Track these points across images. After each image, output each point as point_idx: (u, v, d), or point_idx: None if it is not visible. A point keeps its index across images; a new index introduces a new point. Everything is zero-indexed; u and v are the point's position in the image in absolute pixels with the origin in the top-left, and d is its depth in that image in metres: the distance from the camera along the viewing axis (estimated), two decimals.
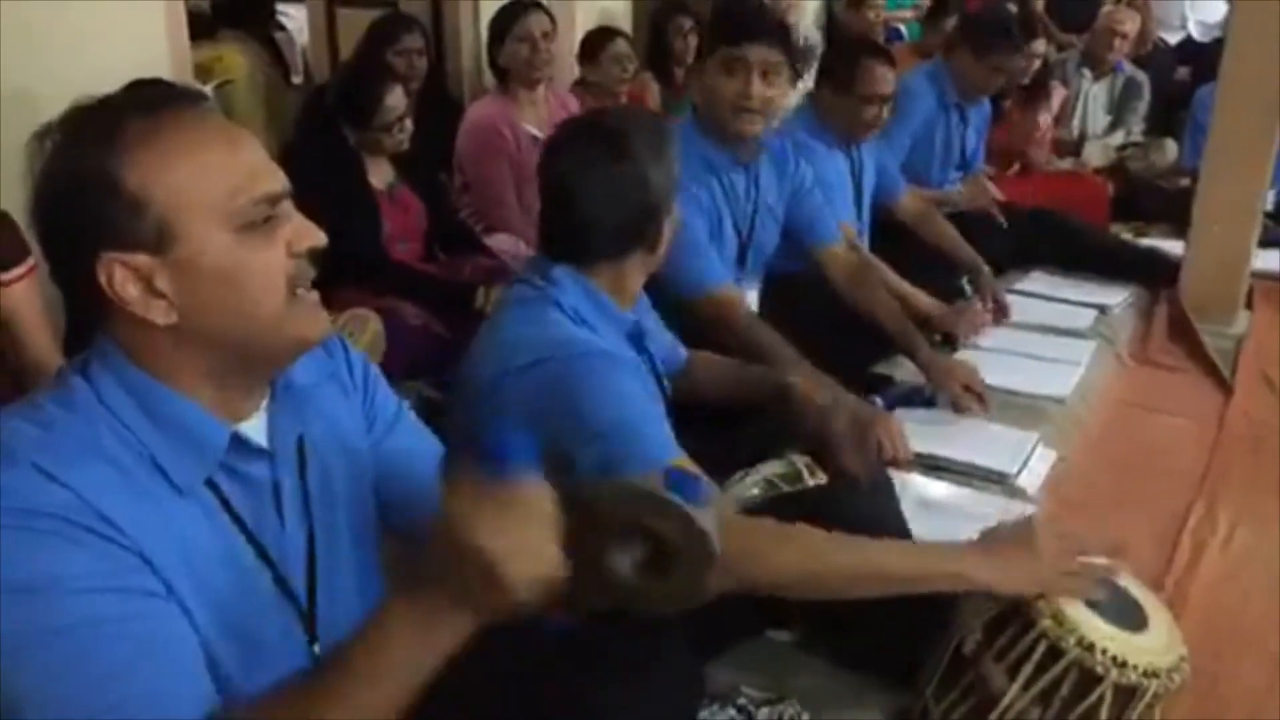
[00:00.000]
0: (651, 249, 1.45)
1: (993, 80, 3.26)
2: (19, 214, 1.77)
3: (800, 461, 1.68)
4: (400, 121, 2.47)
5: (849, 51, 2.78)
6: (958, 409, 2.20)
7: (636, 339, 1.49)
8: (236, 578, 0.90)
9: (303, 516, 0.97)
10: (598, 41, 3.48)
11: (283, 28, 4.76)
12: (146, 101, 0.87)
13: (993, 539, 1.28)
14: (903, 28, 5.43)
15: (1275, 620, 1.74)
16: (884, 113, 2.69)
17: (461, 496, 0.80)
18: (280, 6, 4.56)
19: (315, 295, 0.93)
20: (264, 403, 0.96)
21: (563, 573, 0.81)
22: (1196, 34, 5.35)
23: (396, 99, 2.46)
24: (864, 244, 2.82)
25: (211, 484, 0.90)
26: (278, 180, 0.89)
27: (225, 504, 0.90)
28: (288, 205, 0.90)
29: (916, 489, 1.92)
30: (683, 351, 1.75)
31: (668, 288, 1.74)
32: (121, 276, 0.83)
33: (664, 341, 1.69)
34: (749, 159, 2.17)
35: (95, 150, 0.83)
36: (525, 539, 0.79)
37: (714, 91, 2.05)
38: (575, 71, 3.81)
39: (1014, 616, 1.26)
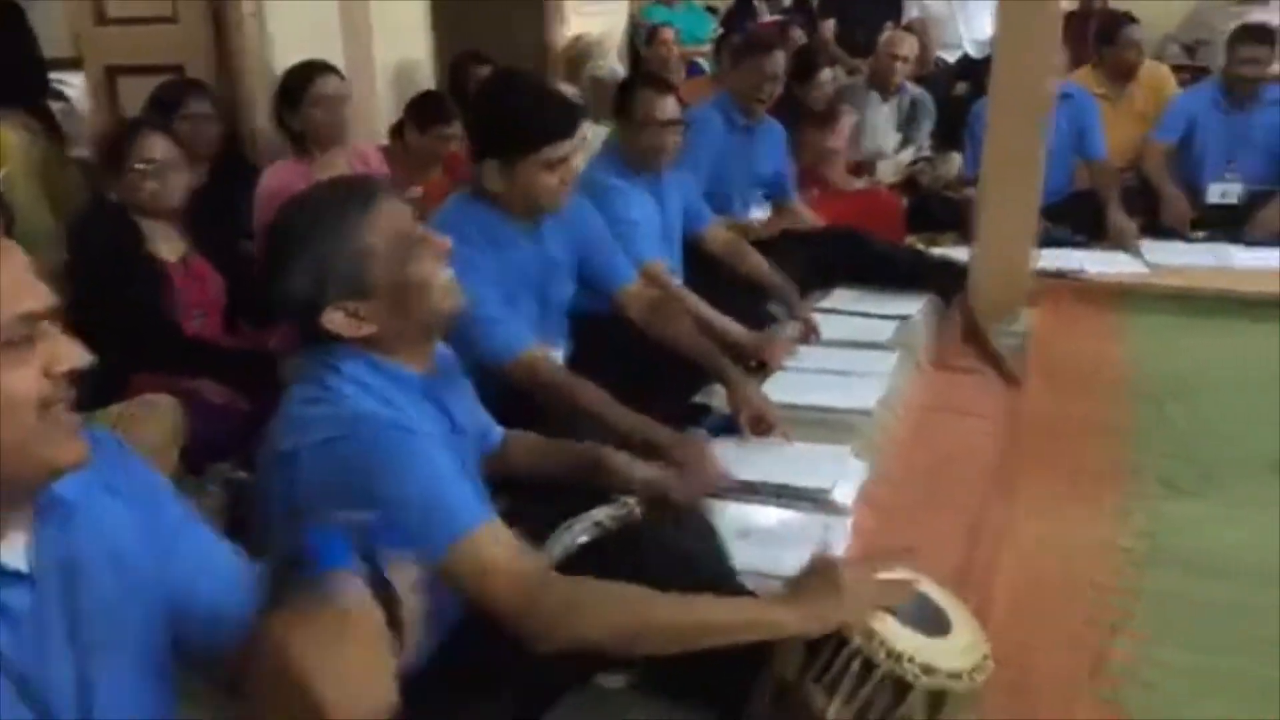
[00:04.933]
0: (327, 336, 1.33)
1: (760, 86, 3.41)
2: None
3: (631, 504, 1.70)
4: (161, 170, 2.36)
5: (630, 84, 2.94)
6: (748, 437, 2.26)
7: (435, 397, 1.46)
8: None
9: (68, 644, 0.91)
10: (429, 116, 3.40)
11: (63, 96, 4.53)
12: None
13: (799, 584, 1.33)
14: (703, 62, 5.61)
15: (1072, 601, 1.87)
16: (669, 140, 2.77)
17: (282, 624, 0.76)
18: (58, 75, 4.34)
19: (74, 418, 0.88)
20: (26, 523, 0.90)
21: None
22: (972, 51, 5.72)
23: (151, 143, 2.37)
24: (677, 277, 2.89)
25: None
26: (39, 299, 0.85)
27: None
28: (48, 325, 0.86)
29: (735, 517, 1.96)
30: (498, 432, 1.73)
31: (475, 360, 1.72)
32: None
33: (479, 421, 1.67)
34: (536, 226, 2.18)
35: None
36: (356, 667, 0.76)
37: (533, 188, 2.05)
38: (381, 124, 3.78)
39: (829, 638, 1.31)
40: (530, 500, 1.69)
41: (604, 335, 2.41)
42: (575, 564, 1.47)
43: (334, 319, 1.32)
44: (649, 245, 2.75)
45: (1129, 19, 4.47)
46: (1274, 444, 2.40)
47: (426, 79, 4.26)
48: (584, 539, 1.59)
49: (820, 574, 1.33)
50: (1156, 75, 4.52)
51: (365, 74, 3.84)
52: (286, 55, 3.25)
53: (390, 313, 1.34)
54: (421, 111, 3.44)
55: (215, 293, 2.50)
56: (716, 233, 3.11)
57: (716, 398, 2.47)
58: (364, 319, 1.33)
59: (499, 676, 1.36)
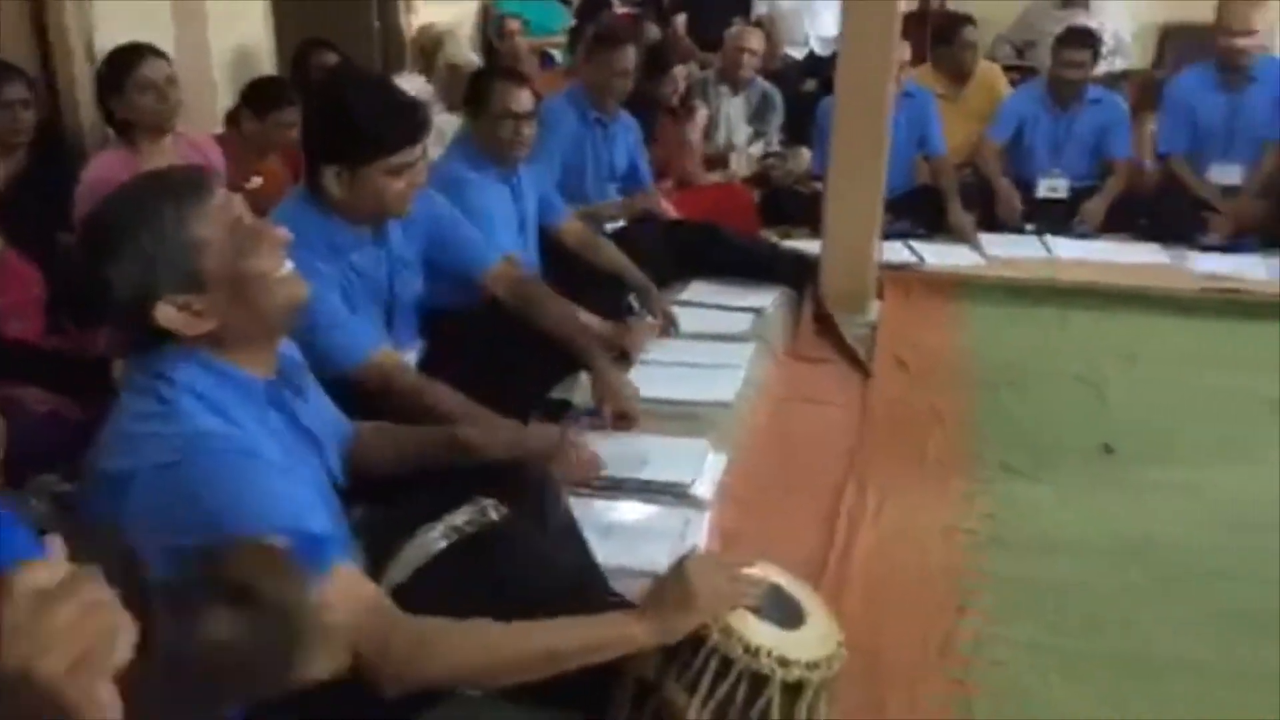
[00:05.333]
0: (159, 335, 1.25)
1: (614, 82, 3.43)
2: None
3: (488, 505, 1.66)
4: None
5: (483, 76, 2.91)
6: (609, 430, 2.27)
7: (280, 404, 1.39)
8: None
9: None
10: (267, 102, 3.25)
11: None
12: None
13: (654, 596, 1.32)
14: (556, 53, 5.56)
15: (922, 584, 1.93)
16: (525, 132, 2.75)
17: None
18: None
19: None
20: None
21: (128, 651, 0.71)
22: (818, 49, 5.86)
23: None
24: (533, 270, 2.85)
25: None
26: None
27: None
28: None
29: (597, 514, 1.95)
30: (348, 425, 1.66)
31: (322, 367, 1.65)
32: None
33: (330, 419, 1.60)
34: (379, 227, 2.11)
35: None
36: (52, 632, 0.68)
37: (377, 195, 1.98)
38: (217, 111, 3.60)
39: (688, 637, 1.31)
40: (384, 506, 1.64)
41: (459, 330, 2.36)
42: (433, 572, 1.42)
43: (167, 314, 1.23)
44: (504, 238, 2.71)
45: (967, 20, 4.67)
46: (1099, 427, 2.55)
47: (266, 65, 4.08)
48: (441, 544, 1.55)
49: (675, 582, 1.32)
50: (990, 75, 4.74)
51: (199, 59, 3.65)
52: (113, 39, 3.04)
53: (229, 307, 1.26)
54: (259, 97, 3.29)
55: (35, 291, 2.33)
56: (572, 225, 3.08)
57: (576, 393, 2.45)
58: (200, 314, 1.25)
59: (353, 702, 1.31)
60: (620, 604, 1.48)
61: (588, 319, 2.67)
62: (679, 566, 1.34)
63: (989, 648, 1.74)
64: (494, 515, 1.58)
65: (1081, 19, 5.18)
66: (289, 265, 1.33)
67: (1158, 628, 1.80)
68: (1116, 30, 5.54)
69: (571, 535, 1.75)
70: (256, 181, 3.16)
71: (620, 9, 5.78)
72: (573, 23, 5.69)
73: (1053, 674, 1.67)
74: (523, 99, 2.76)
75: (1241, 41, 3.93)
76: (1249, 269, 3.65)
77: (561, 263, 2.99)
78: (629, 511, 2.02)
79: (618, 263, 3.01)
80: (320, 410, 1.53)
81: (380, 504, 1.64)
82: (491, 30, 5.39)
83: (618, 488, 2.08)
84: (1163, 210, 4.08)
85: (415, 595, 1.33)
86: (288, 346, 1.44)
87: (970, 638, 1.76)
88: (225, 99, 3.69)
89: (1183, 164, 4.12)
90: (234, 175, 3.07)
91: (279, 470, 1.27)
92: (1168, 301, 3.38)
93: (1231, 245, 3.86)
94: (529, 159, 2.91)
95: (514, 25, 4.88)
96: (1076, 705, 1.61)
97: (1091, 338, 3.18)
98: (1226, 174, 4.04)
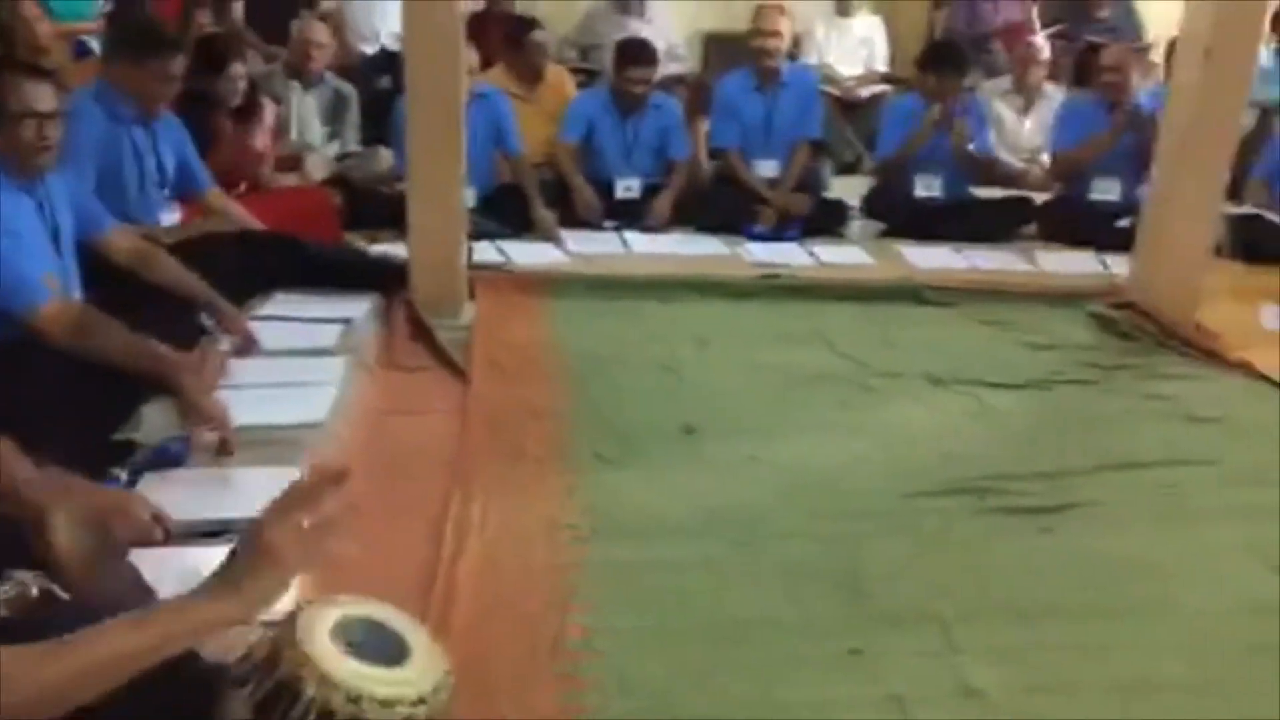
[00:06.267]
0: None
1: (161, 88, 3.13)
2: None
3: (29, 579, 1.44)
4: None
5: None
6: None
7: None
8: None
9: None
10: None
11: None
12: None
13: (226, 566, 1.21)
14: (91, 41, 4.94)
15: (530, 585, 1.95)
16: (49, 134, 2.41)
17: None
18: None
19: None
20: None
21: None
22: (390, 44, 5.74)
23: None
24: (74, 292, 2.52)
25: None
26: None
27: None
28: None
29: (181, 562, 1.76)
30: None
31: None
32: None
33: None
34: None
35: None
36: None
37: None
38: None
39: (282, 692, 1.23)
40: None
41: (12, 366, 2.06)
42: None
43: None
44: (36, 259, 2.36)
45: (534, 23, 4.81)
46: (680, 410, 2.75)
47: None
48: None
49: (248, 550, 1.21)
50: (559, 77, 4.94)
51: None
52: None
53: None
54: None
55: None
56: (121, 238, 2.76)
57: (141, 431, 2.22)
58: None
59: None
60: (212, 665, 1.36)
61: (154, 349, 2.41)
62: (248, 536, 1.22)
63: (594, 639, 1.79)
64: (36, 592, 1.39)
65: (637, 25, 5.54)
66: None
67: (737, 592, 1.96)
68: (670, 36, 5.99)
69: (144, 594, 1.57)
70: None
71: None
72: (108, 7, 5.09)
73: (649, 654, 1.75)
74: (44, 95, 2.40)
75: (771, 43, 4.46)
76: (792, 255, 4.13)
77: (112, 282, 2.66)
78: (212, 558, 1.85)
79: (181, 279, 2.74)
80: None
81: None
82: (3, 13, 4.64)
83: (198, 535, 1.89)
84: (718, 204, 4.49)
85: None
86: None
87: (577, 633, 1.80)
88: None
89: (736, 158, 4.56)
90: None
91: None
92: (728, 287, 3.72)
93: (777, 234, 4.35)
94: (57, 165, 2.55)
95: (30, 9, 4.21)
96: (668, 681, 1.69)
97: (667, 325, 3.41)
98: (766, 168, 4.55)
